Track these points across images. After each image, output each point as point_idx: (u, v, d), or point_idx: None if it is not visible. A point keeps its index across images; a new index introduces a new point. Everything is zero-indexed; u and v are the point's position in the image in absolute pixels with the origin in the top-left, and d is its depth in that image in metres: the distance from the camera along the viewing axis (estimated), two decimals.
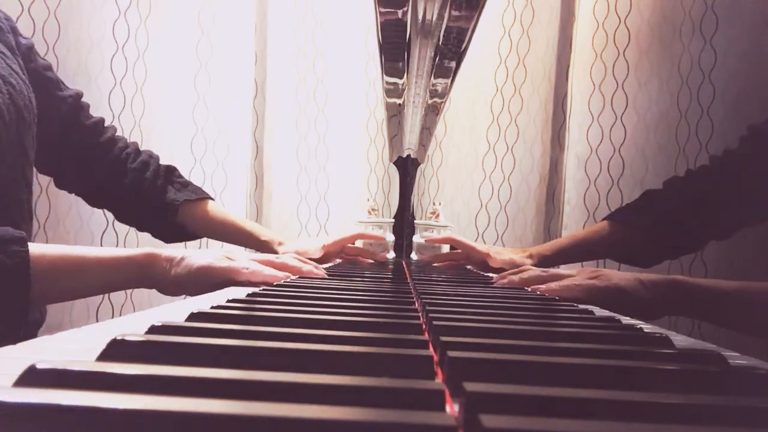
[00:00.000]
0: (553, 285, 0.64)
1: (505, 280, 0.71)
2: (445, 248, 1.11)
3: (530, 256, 0.97)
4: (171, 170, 1.00)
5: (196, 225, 0.98)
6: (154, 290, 0.64)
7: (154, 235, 1.01)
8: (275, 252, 0.92)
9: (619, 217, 1.01)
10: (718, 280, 0.62)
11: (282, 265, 0.68)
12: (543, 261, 0.96)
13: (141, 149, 1.01)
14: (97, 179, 0.95)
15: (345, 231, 1.06)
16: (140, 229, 1.03)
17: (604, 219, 1.03)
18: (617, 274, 0.65)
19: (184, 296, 0.71)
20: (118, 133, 1.00)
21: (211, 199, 1.01)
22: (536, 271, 0.72)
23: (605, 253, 1.06)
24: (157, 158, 1.00)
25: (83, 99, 0.95)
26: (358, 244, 1.11)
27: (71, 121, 0.92)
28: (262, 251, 0.95)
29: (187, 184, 1.00)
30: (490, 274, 0.86)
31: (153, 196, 0.96)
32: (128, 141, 1.00)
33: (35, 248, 0.55)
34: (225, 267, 0.62)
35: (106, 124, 0.98)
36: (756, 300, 0.59)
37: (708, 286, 0.62)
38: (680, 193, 0.98)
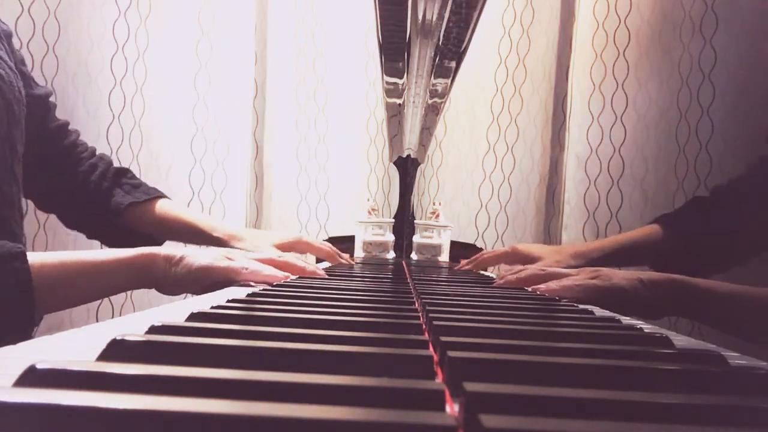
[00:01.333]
0: (553, 285, 0.64)
1: (502, 281, 0.71)
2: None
3: (573, 256, 0.91)
4: (121, 172, 0.95)
5: (146, 227, 0.92)
6: (154, 290, 0.64)
7: (104, 242, 0.95)
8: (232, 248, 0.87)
9: (673, 223, 0.94)
10: (719, 282, 0.62)
11: (283, 264, 0.68)
12: (588, 264, 0.89)
13: (97, 154, 0.96)
14: (46, 182, 0.90)
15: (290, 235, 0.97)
16: (89, 236, 0.97)
17: (652, 222, 0.97)
18: (618, 274, 0.64)
19: (184, 296, 0.71)
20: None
21: (165, 197, 0.95)
22: (533, 270, 0.71)
23: (654, 258, 0.96)
24: (107, 161, 0.95)
25: (51, 99, 0.91)
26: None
27: (37, 122, 0.87)
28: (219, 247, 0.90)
29: (138, 186, 0.94)
30: (491, 274, 0.86)
31: (97, 200, 0.91)
32: (88, 146, 0.96)
33: (34, 259, 0.54)
34: (225, 267, 0.61)
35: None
36: (756, 305, 0.59)
37: (708, 287, 0.61)
38: (730, 203, 0.92)
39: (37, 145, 0.87)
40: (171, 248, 0.64)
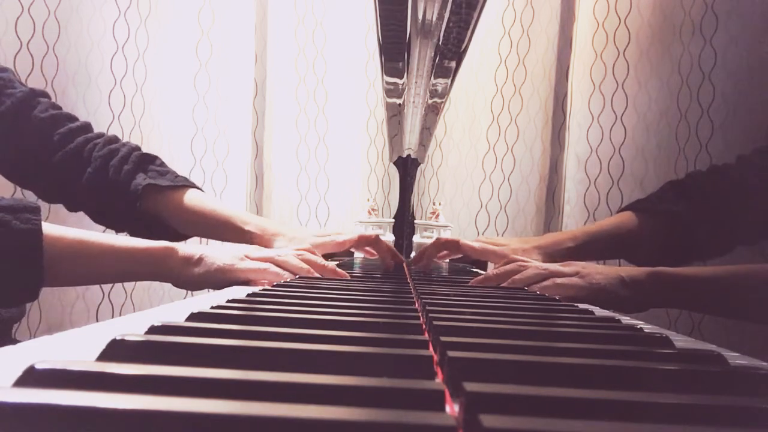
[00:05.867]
0: (550, 286, 0.63)
1: (509, 282, 0.69)
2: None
3: (540, 247, 0.84)
4: (149, 158, 0.87)
5: (170, 216, 0.85)
6: (152, 290, 0.64)
7: (132, 235, 0.87)
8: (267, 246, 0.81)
9: (647, 206, 0.88)
10: (700, 267, 0.62)
11: (308, 261, 0.66)
12: (559, 256, 0.83)
13: (122, 140, 0.90)
14: (54, 173, 0.85)
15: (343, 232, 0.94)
16: (116, 228, 0.91)
17: (622, 210, 0.91)
18: (600, 271, 0.63)
19: (184, 296, 0.70)
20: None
21: (197, 188, 0.88)
22: (536, 270, 0.69)
23: (634, 249, 0.89)
24: (131, 146, 0.88)
25: (49, 99, 0.88)
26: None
27: (18, 114, 0.83)
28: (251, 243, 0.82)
29: (165, 173, 0.86)
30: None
31: (117, 184, 0.83)
32: (104, 133, 0.90)
33: (54, 229, 0.54)
34: (245, 268, 0.61)
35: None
36: (737, 283, 0.59)
37: (689, 274, 0.61)
38: (705, 188, 0.88)
39: (24, 137, 0.84)
40: (190, 246, 0.63)
